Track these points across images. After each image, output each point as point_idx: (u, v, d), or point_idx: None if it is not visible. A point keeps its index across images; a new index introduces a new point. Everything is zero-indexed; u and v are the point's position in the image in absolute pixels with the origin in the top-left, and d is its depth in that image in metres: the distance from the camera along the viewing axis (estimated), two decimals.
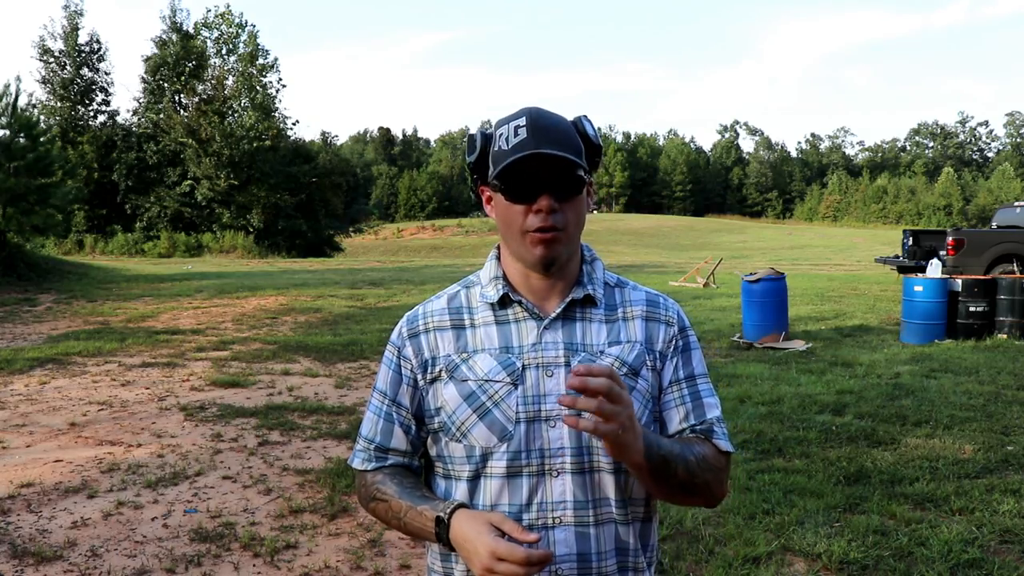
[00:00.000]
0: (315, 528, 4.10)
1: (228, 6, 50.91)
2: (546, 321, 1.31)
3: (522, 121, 1.25)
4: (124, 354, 9.35)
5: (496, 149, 1.28)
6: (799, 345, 9.51)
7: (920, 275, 11.05)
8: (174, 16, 41.95)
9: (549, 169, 1.24)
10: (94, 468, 5.08)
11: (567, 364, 1.29)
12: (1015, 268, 13.24)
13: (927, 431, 5.73)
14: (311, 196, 41.20)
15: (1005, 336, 9.71)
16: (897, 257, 16.45)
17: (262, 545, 3.86)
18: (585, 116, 1.32)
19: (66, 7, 40.73)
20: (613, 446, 1.15)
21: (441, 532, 1.23)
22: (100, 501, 4.48)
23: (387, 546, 3.88)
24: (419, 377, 1.35)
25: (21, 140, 18.98)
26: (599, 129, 1.37)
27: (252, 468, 5.10)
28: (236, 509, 4.38)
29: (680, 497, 1.31)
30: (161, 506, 4.41)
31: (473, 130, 1.50)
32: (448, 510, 1.23)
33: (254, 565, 3.67)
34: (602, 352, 1.31)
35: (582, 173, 1.27)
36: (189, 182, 39.09)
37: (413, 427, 1.37)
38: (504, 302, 1.34)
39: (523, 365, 1.29)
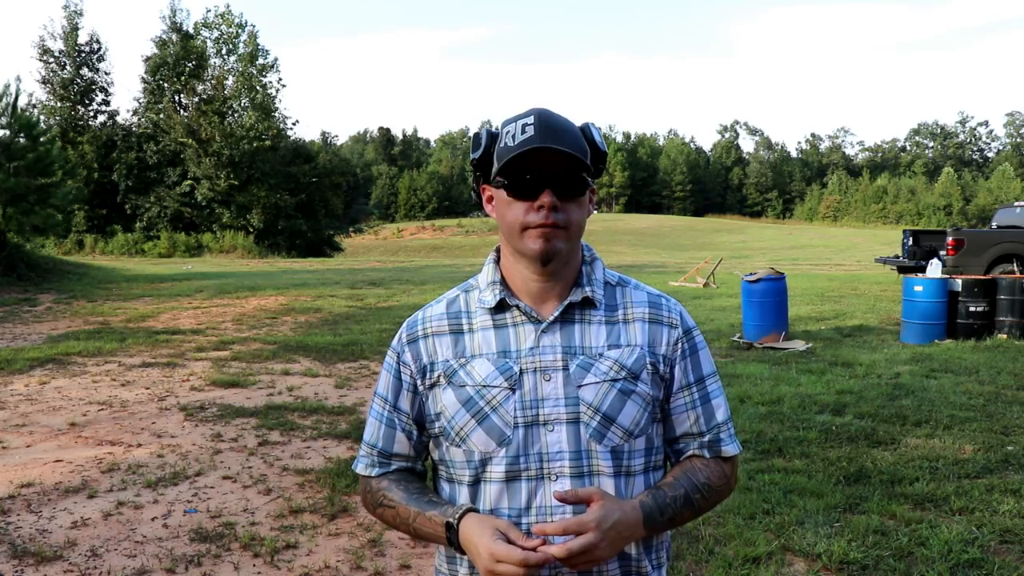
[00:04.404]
0: (315, 528, 4.10)
1: (228, 6, 51.01)
2: (544, 325, 1.31)
3: (530, 120, 1.26)
4: (124, 354, 9.35)
5: (502, 146, 1.28)
6: (799, 345, 9.51)
7: (920, 275, 11.04)
8: (174, 16, 41.96)
9: (554, 166, 1.24)
10: (94, 468, 5.08)
11: (565, 368, 1.29)
12: (1015, 268, 13.24)
13: (927, 431, 5.73)
14: (311, 196, 41.21)
15: (1005, 336, 9.71)
16: (897, 257, 16.45)
17: (262, 545, 3.86)
18: (592, 123, 1.33)
19: (66, 7, 40.73)
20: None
21: (451, 537, 1.25)
22: (100, 501, 4.48)
23: (387, 546, 3.88)
24: (418, 382, 1.36)
25: (21, 140, 18.98)
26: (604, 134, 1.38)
27: (252, 468, 5.10)
28: (236, 509, 4.38)
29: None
30: (161, 506, 4.41)
31: (475, 129, 1.51)
32: (457, 515, 1.25)
33: (254, 565, 3.67)
34: (600, 355, 1.30)
35: (586, 175, 1.28)
36: (189, 182, 39.09)
37: (415, 432, 1.38)
38: (502, 306, 1.33)
39: (521, 369, 1.29)
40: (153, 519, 4.22)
